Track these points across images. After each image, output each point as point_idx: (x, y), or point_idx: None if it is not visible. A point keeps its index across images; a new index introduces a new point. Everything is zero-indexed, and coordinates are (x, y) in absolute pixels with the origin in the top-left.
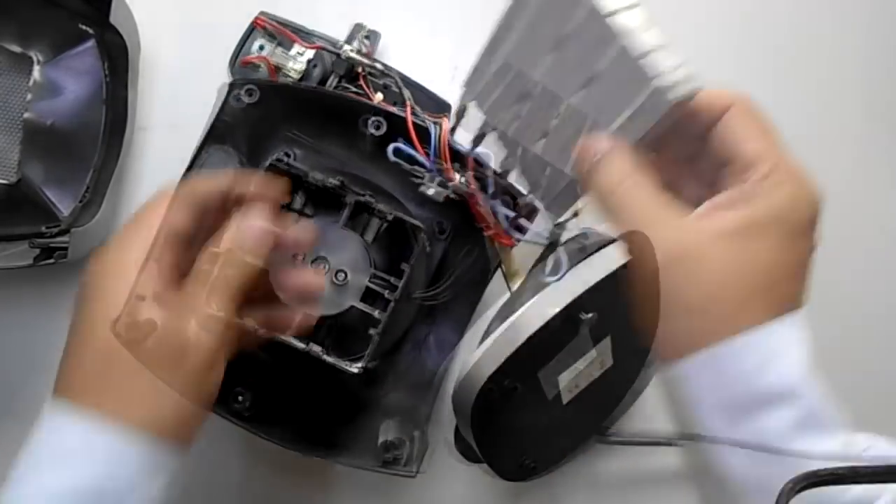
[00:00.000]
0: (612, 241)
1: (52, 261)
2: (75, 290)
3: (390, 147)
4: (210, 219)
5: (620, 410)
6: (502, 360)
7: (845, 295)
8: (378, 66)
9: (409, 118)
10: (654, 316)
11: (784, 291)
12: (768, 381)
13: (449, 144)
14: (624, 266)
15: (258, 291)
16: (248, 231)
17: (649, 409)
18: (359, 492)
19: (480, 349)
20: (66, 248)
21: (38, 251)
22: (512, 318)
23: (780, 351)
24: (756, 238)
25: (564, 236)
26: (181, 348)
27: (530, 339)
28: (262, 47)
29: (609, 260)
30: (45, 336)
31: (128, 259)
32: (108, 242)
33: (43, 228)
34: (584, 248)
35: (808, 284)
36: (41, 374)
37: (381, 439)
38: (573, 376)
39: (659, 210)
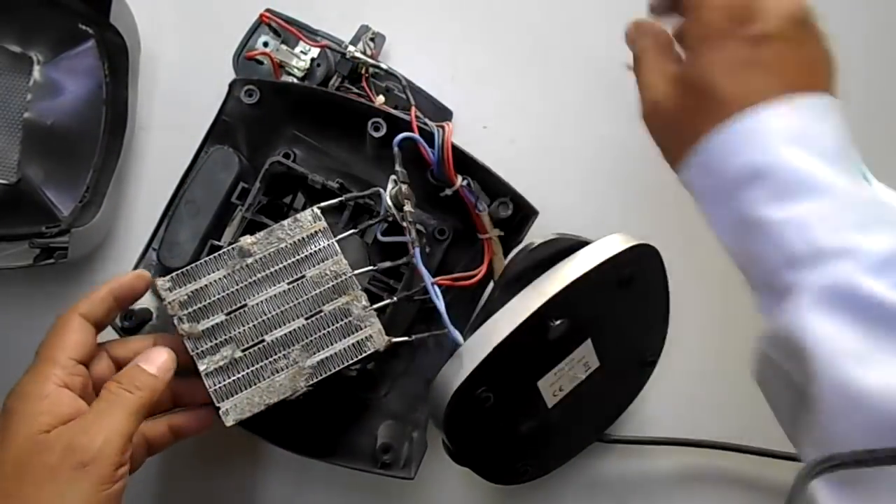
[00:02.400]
0: (585, 243)
1: (52, 261)
2: (75, 291)
3: (397, 137)
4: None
5: (619, 410)
6: (469, 371)
7: None
8: (383, 68)
9: (414, 123)
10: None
11: (743, 85)
12: (739, 164)
13: (452, 148)
14: (596, 268)
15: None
16: (141, 373)
17: (649, 410)
18: (357, 493)
19: (449, 362)
20: (66, 248)
21: (38, 251)
22: (479, 331)
23: (754, 132)
24: (686, 66)
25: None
26: (87, 460)
27: (498, 349)
28: (266, 43)
29: (581, 263)
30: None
31: (41, 389)
32: (25, 375)
33: (43, 228)
34: (556, 253)
35: (786, 69)
36: None
37: (379, 441)
38: (555, 380)
39: (652, 73)
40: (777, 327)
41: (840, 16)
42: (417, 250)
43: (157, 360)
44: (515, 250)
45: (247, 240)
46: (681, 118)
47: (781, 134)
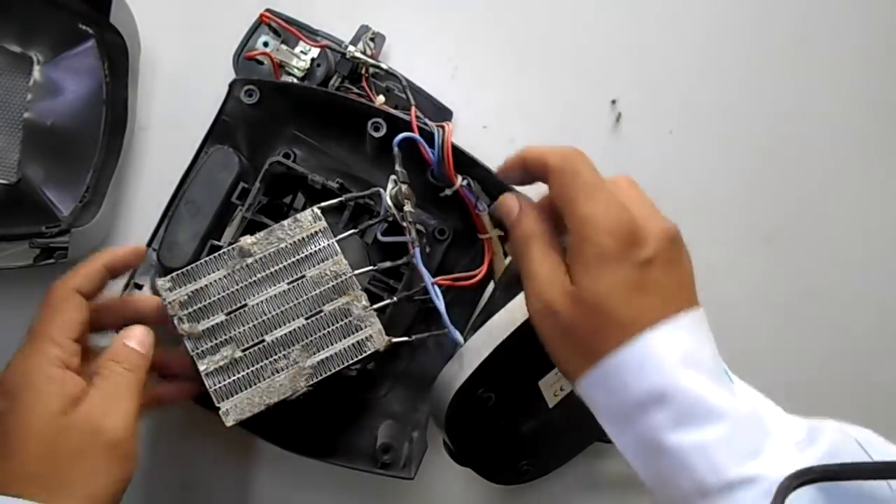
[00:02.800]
0: None
1: (52, 261)
2: None
3: (397, 137)
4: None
5: None
6: (471, 371)
7: (847, 296)
8: (383, 67)
9: (415, 123)
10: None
11: (637, 309)
12: (641, 388)
13: (452, 147)
14: None
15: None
16: (130, 352)
17: None
18: (357, 493)
19: (450, 362)
20: (66, 248)
21: (38, 251)
22: (479, 331)
23: (650, 357)
24: (584, 287)
25: None
26: (116, 441)
27: (499, 349)
28: (266, 43)
29: None
30: None
31: (46, 371)
32: (17, 352)
33: (43, 228)
34: None
35: (667, 290)
36: None
37: (379, 441)
38: (556, 380)
39: (542, 268)
40: None
41: (840, 16)
42: (417, 250)
43: (140, 337)
44: None
45: (247, 240)
46: (579, 334)
47: (676, 356)
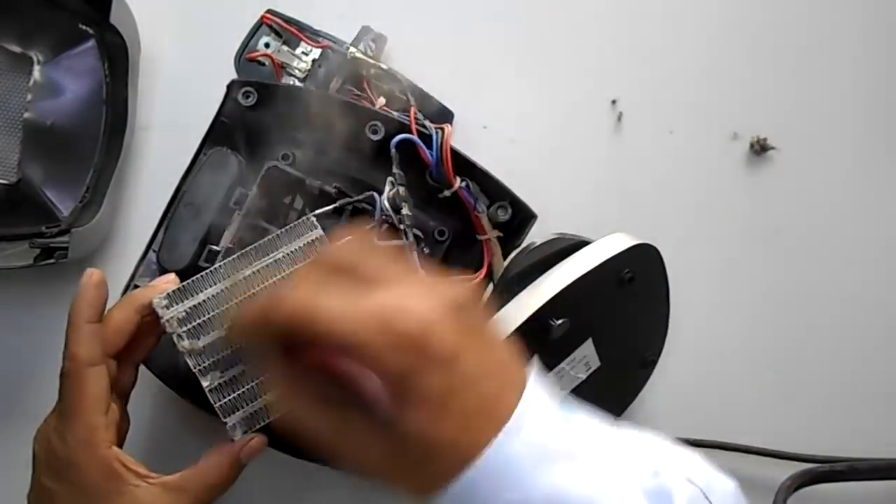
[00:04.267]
0: (585, 243)
1: (52, 261)
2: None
3: (395, 139)
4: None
5: (620, 410)
6: None
7: (847, 296)
8: (384, 68)
9: (413, 124)
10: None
11: (465, 422)
12: (507, 499)
13: (451, 150)
14: (597, 268)
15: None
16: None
17: (649, 410)
18: (358, 494)
19: None
20: (66, 248)
21: (38, 251)
22: None
23: (503, 467)
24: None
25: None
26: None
27: None
28: (267, 44)
29: (581, 263)
30: (46, 336)
31: (113, 470)
32: (49, 418)
33: (43, 228)
34: (556, 253)
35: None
36: (41, 374)
37: None
38: (557, 380)
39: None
40: None
41: (842, 15)
42: (415, 254)
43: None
44: (515, 251)
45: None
46: (406, 474)
47: (532, 457)
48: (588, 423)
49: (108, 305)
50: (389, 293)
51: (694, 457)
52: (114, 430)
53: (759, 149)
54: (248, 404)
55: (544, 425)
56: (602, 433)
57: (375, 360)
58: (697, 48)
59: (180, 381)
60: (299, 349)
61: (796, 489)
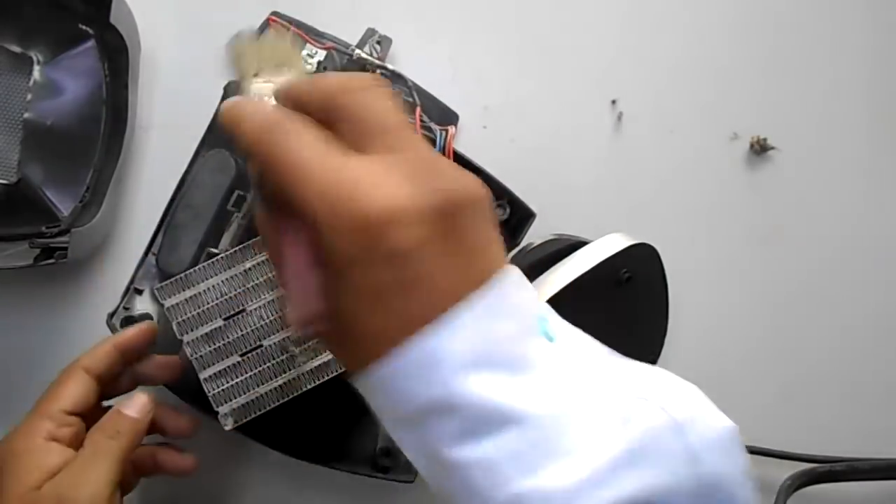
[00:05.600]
0: (583, 244)
1: (52, 261)
2: (75, 291)
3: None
4: (108, 380)
5: None
6: None
7: (847, 296)
8: (389, 69)
9: (418, 124)
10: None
11: (396, 315)
12: (421, 397)
13: (454, 152)
14: (594, 269)
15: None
16: (121, 418)
17: None
18: (357, 496)
19: None
20: (66, 248)
21: (38, 251)
22: None
23: (428, 365)
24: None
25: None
26: None
27: None
28: None
29: (579, 263)
30: (45, 336)
31: (29, 444)
32: (15, 428)
33: (43, 228)
34: (553, 254)
35: (440, 277)
36: (41, 374)
37: (378, 445)
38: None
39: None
40: None
41: (842, 15)
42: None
43: (137, 404)
44: (513, 252)
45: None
46: (359, 329)
47: (462, 358)
48: (575, 342)
49: (110, 307)
50: (372, 162)
51: (690, 388)
52: (68, 433)
53: (759, 149)
54: (241, 395)
55: (493, 328)
56: (590, 355)
57: (320, 234)
58: (697, 48)
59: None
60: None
61: (796, 489)
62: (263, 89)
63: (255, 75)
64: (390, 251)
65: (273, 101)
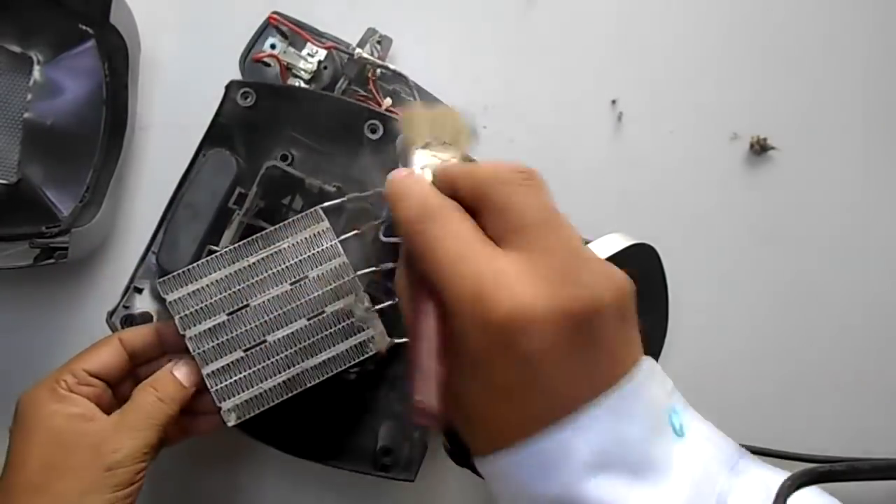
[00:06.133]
0: (585, 242)
1: (52, 261)
2: (75, 291)
3: (399, 139)
4: (142, 361)
5: None
6: None
7: (847, 296)
8: (390, 68)
9: None
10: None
11: (525, 409)
12: (541, 493)
13: None
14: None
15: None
16: (173, 383)
17: None
18: (357, 494)
19: None
20: (66, 248)
21: (38, 251)
22: None
23: (551, 461)
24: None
25: None
26: (113, 465)
27: None
28: (273, 46)
29: None
30: (46, 336)
31: (52, 391)
32: (39, 381)
33: (43, 228)
34: None
35: (571, 377)
36: (41, 373)
37: (379, 443)
38: None
39: (483, 248)
40: None
41: (842, 15)
42: None
43: (187, 370)
44: None
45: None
46: (484, 419)
47: (585, 458)
48: (706, 437)
49: (110, 307)
50: (512, 262)
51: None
52: (86, 391)
53: (759, 149)
54: (244, 391)
55: (621, 428)
56: (719, 454)
57: (456, 326)
58: (697, 48)
59: None
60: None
61: (796, 489)
62: (427, 161)
63: (424, 146)
64: (519, 354)
65: (430, 177)
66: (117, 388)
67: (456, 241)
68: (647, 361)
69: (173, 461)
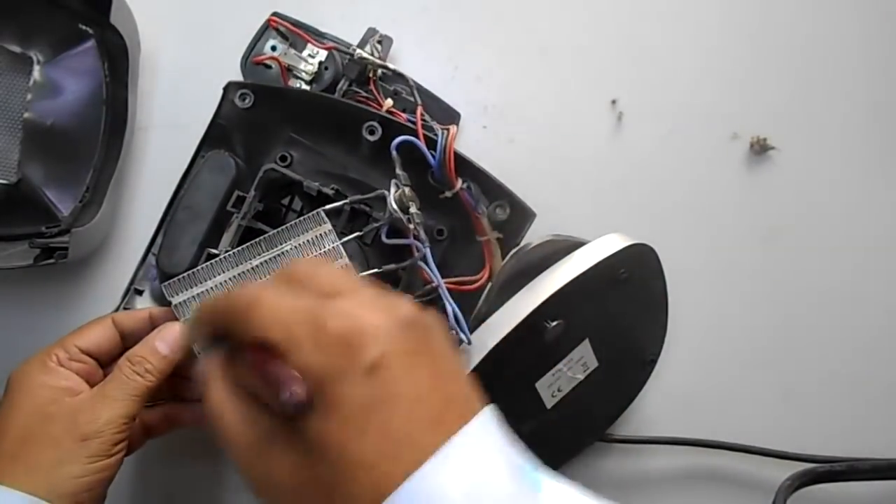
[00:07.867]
0: (580, 244)
1: (52, 261)
2: (75, 291)
3: (395, 141)
4: (133, 343)
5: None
6: (466, 373)
7: (847, 296)
8: (391, 69)
9: (420, 124)
10: None
11: (388, 442)
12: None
13: (455, 152)
14: (591, 269)
15: (163, 391)
16: (152, 354)
17: (649, 410)
18: None
19: None
20: (66, 248)
21: (38, 251)
22: (474, 334)
23: (426, 498)
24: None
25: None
26: (89, 435)
27: (494, 351)
28: (274, 47)
29: (576, 264)
30: (45, 336)
31: (40, 366)
32: (35, 353)
33: (43, 228)
34: (550, 255)
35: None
36: None
37: None
38: (554, 381)
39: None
40: None
41: (842, 15)
42: (428, 251)
43: (170, 339)
44: (513, 252)
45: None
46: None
47: (454, 495)
48: (555, 485)
49: (110, 307)
50: (336, 301)
51: None
52: (76, 367)
53: (759, 149)
54: None
55: (485, 465)
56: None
57: (299, 356)
58: (697, 48)
59: None
60: (239, 350)
61: (796, 489)
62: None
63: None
64: (365, 365)
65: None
66: (108, 369)
67: (278, 294)
68: (490, 409)
69: (171, 458)
